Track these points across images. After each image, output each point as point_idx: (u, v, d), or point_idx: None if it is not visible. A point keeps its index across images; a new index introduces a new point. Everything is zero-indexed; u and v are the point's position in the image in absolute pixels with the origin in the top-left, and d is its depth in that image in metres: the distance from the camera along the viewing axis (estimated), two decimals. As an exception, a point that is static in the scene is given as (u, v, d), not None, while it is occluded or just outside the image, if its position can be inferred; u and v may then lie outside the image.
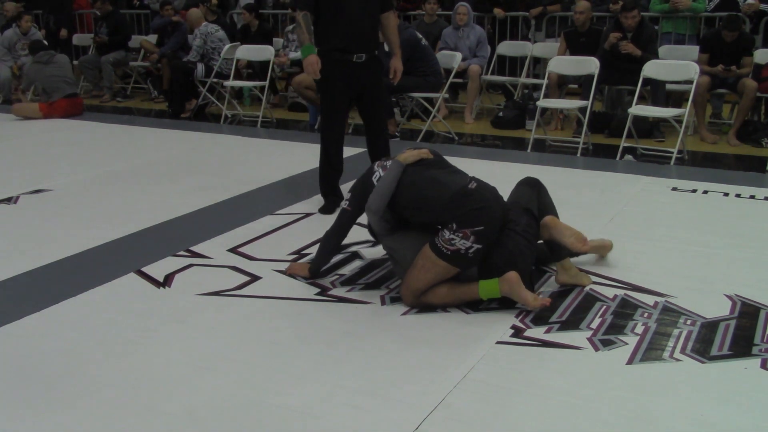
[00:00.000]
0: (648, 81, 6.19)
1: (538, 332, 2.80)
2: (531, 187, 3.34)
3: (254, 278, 3.37)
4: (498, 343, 2.72)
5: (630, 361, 2.58)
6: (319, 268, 3.34)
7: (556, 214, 3.28)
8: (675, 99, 6.84)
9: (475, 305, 3.01)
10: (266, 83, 7.84)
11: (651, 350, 2.65)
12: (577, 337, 2.75)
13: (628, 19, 6.34)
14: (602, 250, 3.49)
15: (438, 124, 7.01)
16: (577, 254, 3.30)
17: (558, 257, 3.23)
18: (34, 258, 3.63)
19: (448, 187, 3.00)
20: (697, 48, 6.65)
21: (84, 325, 2.91)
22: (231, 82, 7.93)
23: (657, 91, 6.33)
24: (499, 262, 2.95)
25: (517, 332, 2.80)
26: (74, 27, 10.59)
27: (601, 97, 7.11)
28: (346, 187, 3.91)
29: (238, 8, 9.67)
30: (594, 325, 2.85)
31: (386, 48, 4.74)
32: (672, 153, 5.67)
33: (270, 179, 5.12)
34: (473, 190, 2.99)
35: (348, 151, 4.63)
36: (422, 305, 3.00)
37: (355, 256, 3.61)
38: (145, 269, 3.47)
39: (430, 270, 2.93)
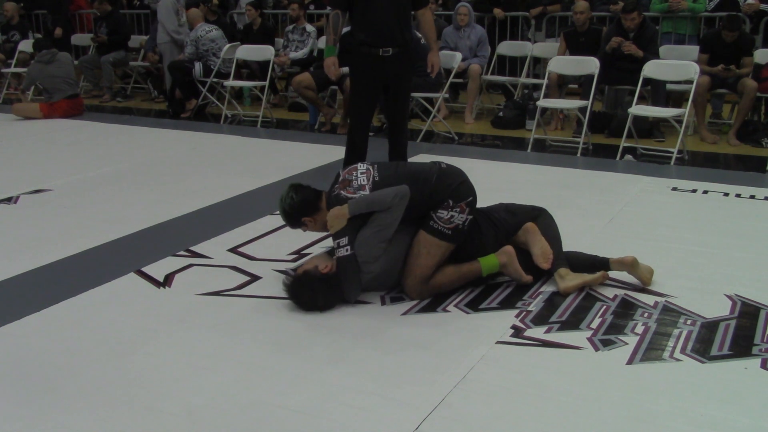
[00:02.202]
0: (648, 81, 6.20)
1: (538, 332, 2.80)
2: (532, 209, 3.36)
3: (254, 278, 3.37)
4: (498, 343, 2.72)
5: (630, 361, 2.58)
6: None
7: (554, 243, 3.21)
8: (675, 99, 6.84)
9: (475, 305, 3.01)
10: (266, 83, 7.84)
11: (651, 350, 2.65)
12: (577, 337, 2.75)
13: (628, 21, 6.35)
14: (639, 272, 3.21)
15: (438, 124, 7.00)
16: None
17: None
18: (34, 258, 3.63)
19: (427, 173, 3.08)
20: (697, 48, 6.65)
21: (84, 325, 2.91)
22: (231, 82, 7.93)
23: (657, 91, 6.33)
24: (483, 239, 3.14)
25: (517, 332, 2.80)
26: (73, 27, 10.57)
27: (601, 97, 7.11)
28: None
29: (239, 8, 9.67)
30: (594, 325, 2.85)
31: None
32: (672, 153, 5.66)
33: (270, 179, 5.11)
34: (447, 168, 3.12)
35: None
36: (430, 292, 3.03)
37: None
38: (145, 269, 3.47)
39: (436, 254, 3.00)
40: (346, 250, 2.98)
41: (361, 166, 3.16)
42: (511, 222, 3.24)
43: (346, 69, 5.62)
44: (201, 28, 8.06)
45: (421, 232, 3.00)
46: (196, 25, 8.08)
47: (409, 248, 3.05)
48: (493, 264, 3.11)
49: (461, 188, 3.03)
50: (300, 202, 3.15)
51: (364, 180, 3.07)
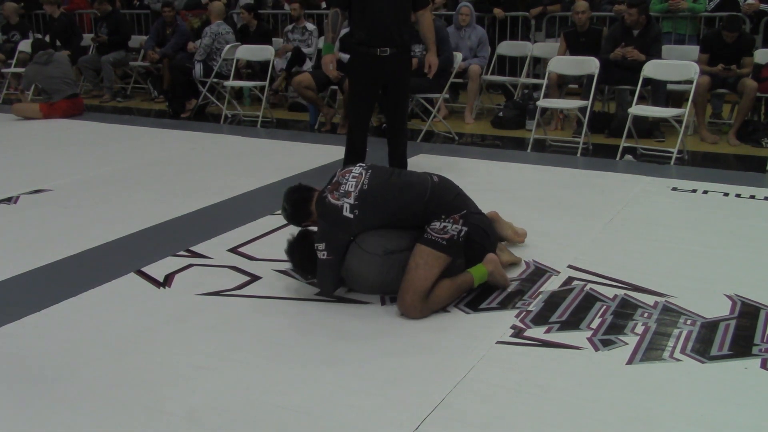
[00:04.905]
0: (648, 81, 6.19)
1: (538, 332, 2.80)
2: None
3: (254, 278, 3.37)
4: (498, 343, 2.72)
5: (630, 361, 2.58)
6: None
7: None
8: (675, 99, 6.84)
9: (475, 305, 3.01)
10: (266, 83, 7.85)
11: (651, 350, 2.65)
12: (577, 337, 2.75)
13: (627, 15, 6.34)
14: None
15: (438, 124, 7.01)
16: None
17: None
18: (34, 258, 3.63)
19: (422, 186, 3.06)
20: (697, 48, 6.65)
21: (84, 325, 2.91)
22: (231, 82, 7.93)
23: (657, 91, 6.33)
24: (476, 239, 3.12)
25: (517, 332, 2.80)
26: (73, 28, 10.52)
27: (601, 97, 7.11)
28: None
29: (238, 8, 9.67)
30: (594, 325, 2.85)
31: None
32: (672, 153, 5.66)
33: (270, 179, 5.11)
34: (439, 182, 3.12)
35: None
36: (430, 309, 2.92)
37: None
38: (145, 269, 3.47)
39: (434, 265, 2.93)
40: (323, 255, 3.02)
41: (356, 170, 3.12)
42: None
43: None
44: (221, 26, 8.08)
45: (418, 245, 2.96)
46: (216, 21, 8.08)
47: (387, 268, 3.00)
48: (483, 273, 3.08)
49: (453, 203, 3.03)
50: (291, 212, 3.28)
51: (352, 186, 3.03)
